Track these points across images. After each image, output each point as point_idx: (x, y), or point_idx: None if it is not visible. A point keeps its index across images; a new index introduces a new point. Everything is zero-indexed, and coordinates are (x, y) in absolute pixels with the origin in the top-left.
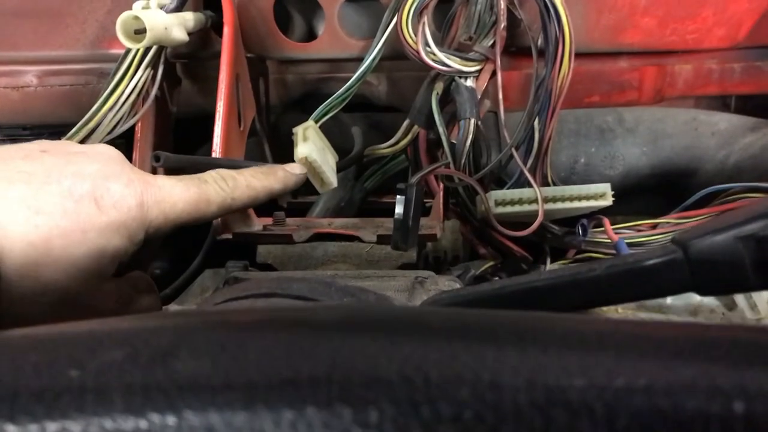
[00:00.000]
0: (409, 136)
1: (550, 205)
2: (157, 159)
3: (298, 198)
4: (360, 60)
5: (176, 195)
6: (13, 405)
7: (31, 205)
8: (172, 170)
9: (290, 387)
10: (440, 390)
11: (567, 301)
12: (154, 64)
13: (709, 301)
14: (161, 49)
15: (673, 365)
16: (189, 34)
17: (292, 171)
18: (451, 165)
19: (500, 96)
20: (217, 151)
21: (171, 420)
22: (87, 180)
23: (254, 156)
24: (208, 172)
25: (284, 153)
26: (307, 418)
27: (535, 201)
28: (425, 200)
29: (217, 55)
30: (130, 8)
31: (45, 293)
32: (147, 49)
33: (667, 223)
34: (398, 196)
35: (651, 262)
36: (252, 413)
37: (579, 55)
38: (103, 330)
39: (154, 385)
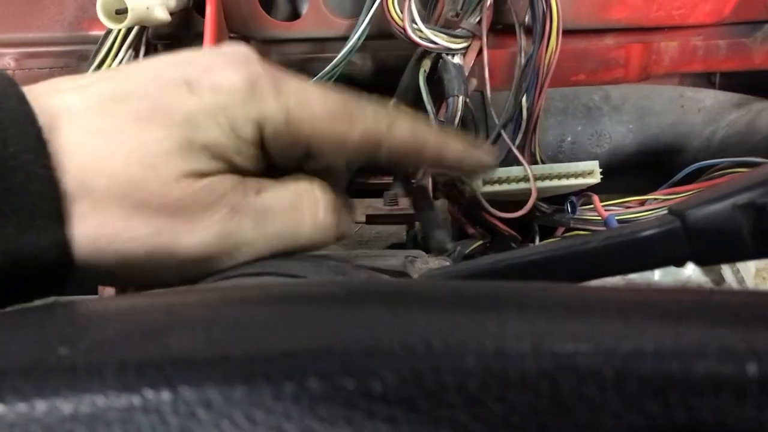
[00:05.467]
0: None
1: (539, 183)
2: None
3: None
4: (345, 39)
5: (309, 92)
6: (1, 384)
7: (106, 93)
8: None
9: (290, 359)
10: (444, 359)
11: (562, 275)
12: (135, 46)
13: (697, 276)
14: (143, 29)
15: (682, 328)
16: (171, 14)
17: (478, 151)
18: None
19: (486, 74)
20: None
21: (166, 396)
22: (182, 64)
23: None
24: None
25: None
26: (309, 390)
27: (523, 179)
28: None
29: (200, 36)
30: None
31: (115, 188)
32: (128, 31)
33: (655, 199)
34: (416, 199)
35: (648, 232)
36: (251, 386)
37: (565, 33)
38: (91, 308)
39: (148, 361)
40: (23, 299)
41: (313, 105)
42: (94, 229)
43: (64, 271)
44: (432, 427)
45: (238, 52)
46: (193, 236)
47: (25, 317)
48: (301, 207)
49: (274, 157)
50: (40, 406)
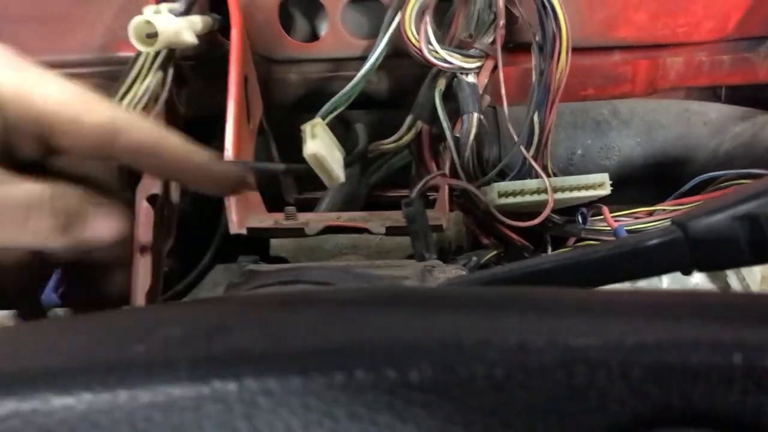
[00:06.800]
0: (413, 132)
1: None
2: None
3: (304, 194)
4: (362, 59)
5: (49, 76)
6: (90, 376)
7: None
8: None
9: (340, 353)
10: (472, 352)
11: (574, 281)
12: (164, 67)
13: (704, 284)
14: (171, 51)
15: (679, 325)
16: (197, 36)
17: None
18: (456, 160)
19: (503, 90)
20: (229, 149)
21: (232, 386)
22: None
23: (261, 154)
24: None
25: (289, 150)
26: (357, 380)
27: (537, 192)
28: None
29: (224, 57)
30: (137, 11)
31: None
32: (157, 53)
33: (663, 210)
34: (406, 213)
35: (653, 242)
36: (306, 377)
37: (574, 50)
38: (154, 314)
39: (216, 356)
40: None
41: (51, 84)
42: None
43: None
44: (464, 412)
45: None
46: None
47: (97, 320)
48: (28, 208)
49: (12, 147)
50: (123, 395)
